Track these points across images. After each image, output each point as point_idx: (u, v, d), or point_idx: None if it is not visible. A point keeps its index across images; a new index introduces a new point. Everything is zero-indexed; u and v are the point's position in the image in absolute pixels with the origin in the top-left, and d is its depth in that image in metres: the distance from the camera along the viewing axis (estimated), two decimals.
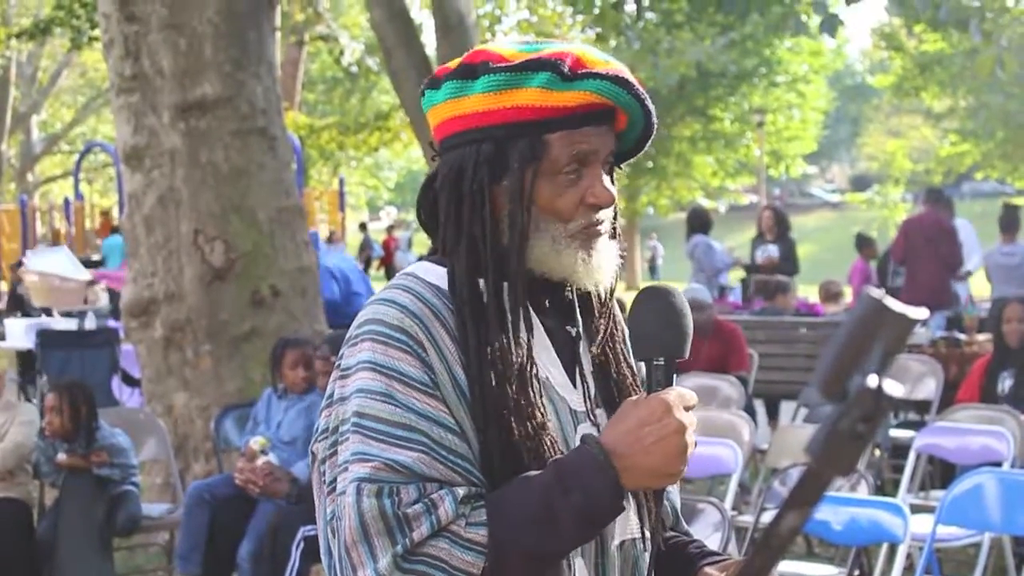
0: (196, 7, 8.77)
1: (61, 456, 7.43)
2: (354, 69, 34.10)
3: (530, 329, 2.16)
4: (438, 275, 2.17)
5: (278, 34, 10.00)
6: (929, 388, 9.85)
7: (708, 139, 45.00)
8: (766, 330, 12.36)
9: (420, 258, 2.29)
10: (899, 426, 9.87)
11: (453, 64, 2.22)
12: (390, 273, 37.89)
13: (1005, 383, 8.77)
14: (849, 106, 69.44)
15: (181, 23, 8.77)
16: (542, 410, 2.12)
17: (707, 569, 2.30)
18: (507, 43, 2.21)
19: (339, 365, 2.14)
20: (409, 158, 57.83)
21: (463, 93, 2.16)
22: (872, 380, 1.56)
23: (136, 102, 8.85)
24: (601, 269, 2.19)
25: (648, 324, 2.16)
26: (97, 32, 15.01)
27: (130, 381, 11.90)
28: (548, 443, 2.11)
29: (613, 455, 2.02)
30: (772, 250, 14.91)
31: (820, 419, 1.80)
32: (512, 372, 2.09)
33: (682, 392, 2.09)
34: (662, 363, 2.12)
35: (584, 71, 2.12)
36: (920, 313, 1.57)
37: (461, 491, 1.99)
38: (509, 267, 2.13)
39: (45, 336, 12.49)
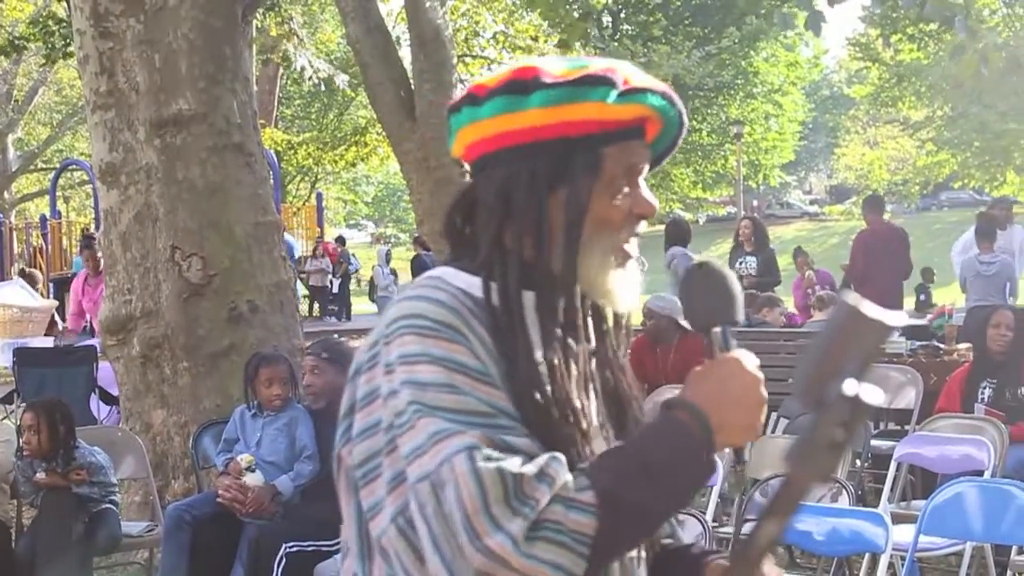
0: (171, 23, 8.74)
1: (39, 475, 7.39)
2: (322, 88, 34.12)
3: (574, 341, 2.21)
4: (466, 282, 2.16)
5: (253, 49, 9.96)
6: (909, 398, 9.83)
7: (686, 151, 45.13)
8: (746, 341, 12.34)
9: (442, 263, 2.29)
10: (880, 436, 9.85)
11: (492, 81, 2.22)
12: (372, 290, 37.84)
13: (984, 393, 8.77)
14: (826, 117, 69.68)
15: (156, 39, 8.73)
16: (590, 419, 2.17)
17: (717, 561, 2.34)
18: (554, 61, 2.22)
19: (376, 363, 2.10)
20: (387, 172, 57.89)
21: (516, 108, 2.16)
22: (849, 387, 1.55)
23: (111, 118, 8.81)
24: (632, 291, 2.24)
25: (703, 297, 2.19)
26: (72, 48, 14.97)
27: (108, 399, 11.84)
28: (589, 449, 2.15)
29: (706, 413, 2.06)
30: (751, 262, 14.90)
31: (800, 429, 1.79)
32: (563, 385, 2.13)
33: (746, 352, 2.13)
34: (719, 331, 2.16)
35: (635, 87, 2.17)
36: (898, 319, 1.56)
37: (562, 457, 1.99)
38: (562, 280, 2.17)
39: (22, 354, 12.43)
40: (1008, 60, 11.00)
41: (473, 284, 2.15)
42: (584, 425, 2.14)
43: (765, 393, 2.10)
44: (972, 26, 10.85)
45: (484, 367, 2.04)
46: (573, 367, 2.18)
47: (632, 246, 2.23)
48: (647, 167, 2.25)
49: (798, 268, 16.66)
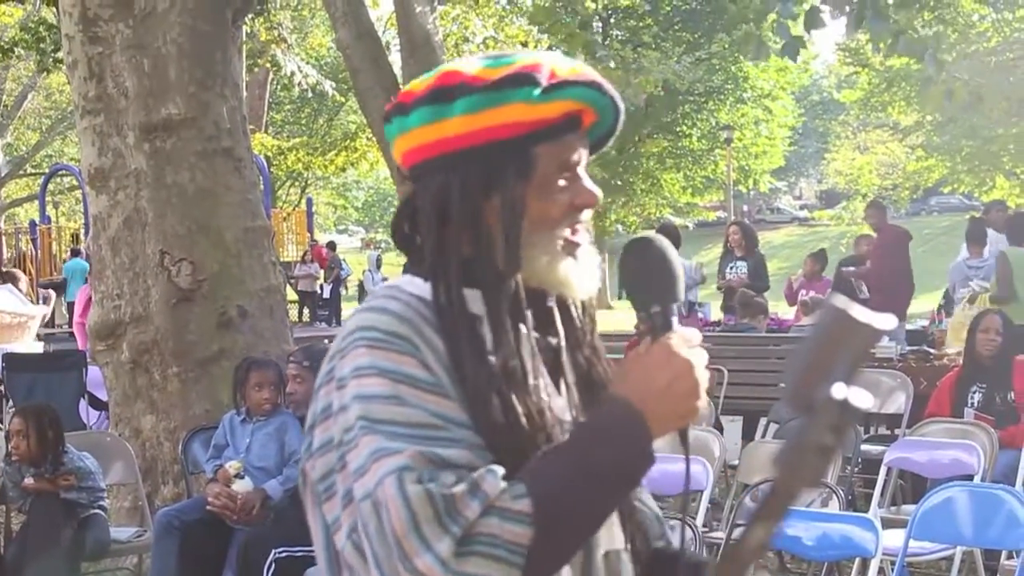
0: (160, 28, 8.73)
1: (28, 480, 7.38)
2: (309, 94, 34.09)
3: (526, 340, 2.16)
4: (421, 288, 2.15)
5: (243, 53, 9.99)
6: (899, 402, 9.84)
7: (676, 156, 45.17)
8: (737, 346, 12.34)
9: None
10: (870, 440, 9.86)
11: (418, 88, 2.19)
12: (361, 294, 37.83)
13: (974, 397, 8.78)
14: (816, 122, 69.75)
15: (145, 44, 8.72)
16: (551, 416, 2.12)
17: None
18: (475, 61, 2.19)
19: (331, 377, 2.09)
20: (377, 178, 57.87)
21: (441, 116, 2.13)
22: (837, 390, 1.54)
23: (101, 123, 8.79)
24: (589, 277, 2.21)
25: (637, 276, 2.15)
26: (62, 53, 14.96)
27: (97, 404, 11.81)
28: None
29: (636, 406, 2.02)
30: (741, 267, 14.88)
31: (789, 433, 1.77)
32: (519, 384, 2.09)
33: (683, 333, 2.09)
34: (659, 311, 2.11)
35: (560, 80, 2.14)
36: (887, 322, 1.55)
37: (499, 469, 1.96)
38: (504, 281, 2.13)
39: (11, 360, 12.39)
40: (971, 95, 11.09)
41: (427, 290, 2.14)
42: (547, 424, 2.10)
43: (701, 375, 2.05)
44: (942, 59, 10.91)
45: (434, 377, 2.02)
46: (531, 363, 2.13)
47: (581, 234, 2.20)
48: (585, 157, 2.22)
49: (808, 271, 16.48)
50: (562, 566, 2.05)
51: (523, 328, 2.15)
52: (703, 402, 2.07)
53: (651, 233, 2.25)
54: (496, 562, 1.90)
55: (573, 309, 2.28)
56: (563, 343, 2.27)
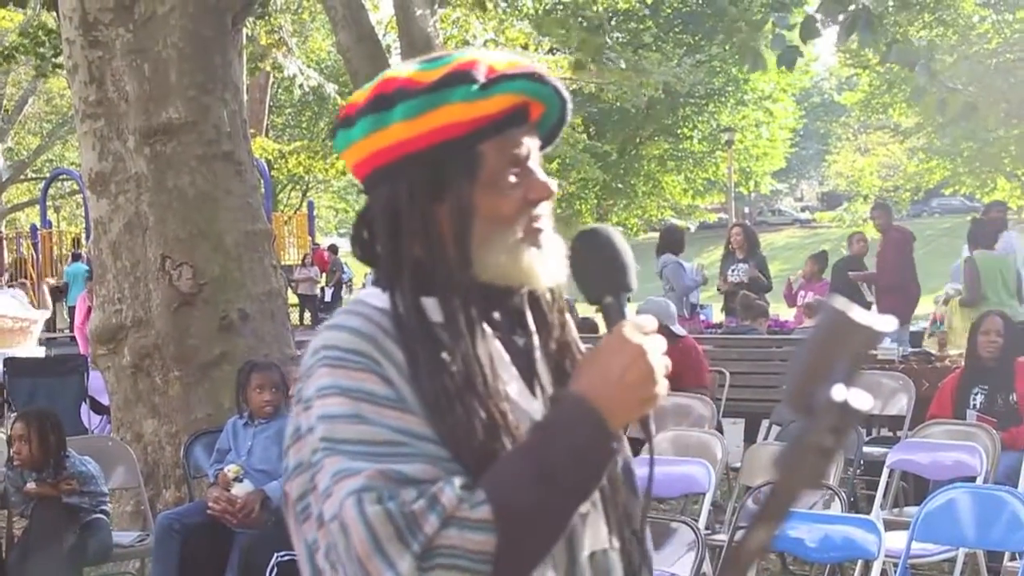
0: (160, 32, 8.72)
1: (30, 485, 7.38)
2: (310, 97, 34.05)
3: (485, 343, 2.14)
4: (383, 299, 2.14)
5: (244, 57, 9.98)
6: (901, 404, 9.84)
7: (677, 158, 45.17)
8: (738, 348, 12.34)
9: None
10: (872, 442, 9.85)
11: (360, 99, 2.20)
12: None
13: (976, 399, 8.77)
14: (817, 124, 69.79)
15: (145, 48, 8.71)
16: (514, 419, 2.10)
17: None
18: (412, 65, 2.19)
19: (299, 398, 2.10)
20: None
21: (383, 125, 2.14)
22: (837, 392, 1.53)
23: (101, 127, 8.79)
24: (554, 264, 2.19)
25: (587, 268, 2.16)
26: (62, 58, 14.95)
27: (99, 408, 11.81)
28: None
29: (591, 399, 2.01)
30: (743, 269, 14.87)
31: (790, 435, 1.77)
32: (480, 389, 2.07)
33: (635, 321, 2.08)
34: (611, 301, 2.12)
35: (498, 75, 2.12)
36: (887, 323, 1.54)
37: (458, 480, 1.96)
38: (458, 284, 2.12)
39: (12, 364, 12.39)
40: (965, 105, 11.10)
41: (388, 301, 2.14)
42: (511, 426, 2.08)
43: (655, 360, 2.04)
44: (935, 69, 10.90)
45: (395, 392, 2.01)
46: (490, 365, 2.12)
47: (542, 222, 2.18)
48: (536, 149, 2.20)
49: (808, 272, 16.44)
50: (535, 568, 2.03)
51: (481, 330, 2.14)
52: (662, 387, 2.06)
53: (599, 224, 2.24)
54: (460, 572, 1.90)
55: (544, 304, 2.27)
56: (536, 342, 2.25)
